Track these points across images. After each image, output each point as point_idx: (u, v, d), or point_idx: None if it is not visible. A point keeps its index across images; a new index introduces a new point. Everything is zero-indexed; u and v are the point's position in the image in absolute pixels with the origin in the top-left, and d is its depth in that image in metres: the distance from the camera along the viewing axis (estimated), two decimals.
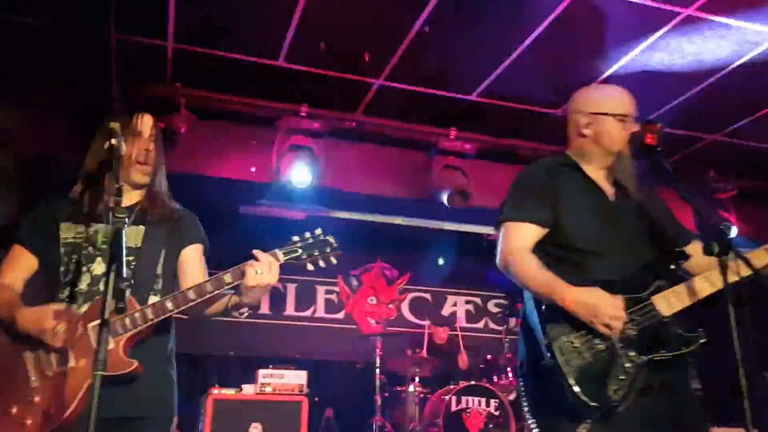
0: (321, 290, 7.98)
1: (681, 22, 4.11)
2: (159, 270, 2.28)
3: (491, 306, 7.98)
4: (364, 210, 6.10)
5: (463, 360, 6.82)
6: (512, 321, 6.47)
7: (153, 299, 2.19)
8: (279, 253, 2.16)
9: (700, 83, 4.81)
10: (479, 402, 5.86)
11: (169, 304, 2.09)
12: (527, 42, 4.36)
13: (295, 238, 2.20)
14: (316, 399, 5.58)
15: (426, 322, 7.72)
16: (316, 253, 2.19)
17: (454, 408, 5.79)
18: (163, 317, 2.09)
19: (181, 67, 4.75)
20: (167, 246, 2.32)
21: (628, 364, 2.00)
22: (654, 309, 2.06)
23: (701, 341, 2.04)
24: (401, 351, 6.20)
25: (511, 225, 2.24)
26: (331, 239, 2.22)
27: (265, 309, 7.53)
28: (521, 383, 2.22)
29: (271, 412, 4.84)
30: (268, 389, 4.98)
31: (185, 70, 4.80)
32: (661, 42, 4.34)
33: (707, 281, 2.09)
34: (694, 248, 2.23)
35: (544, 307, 2.08)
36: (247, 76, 4.84)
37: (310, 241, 2.20)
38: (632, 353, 2.01)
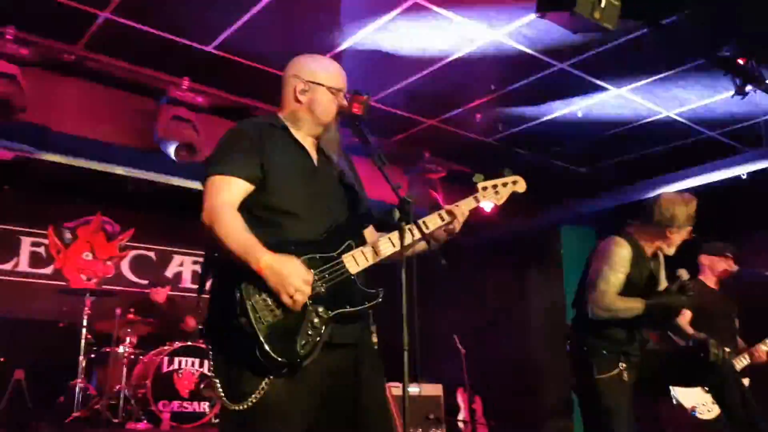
0: (26, 241, 7.22)
1: (409, 8, 4.40)
2: None
3: None
4: (80, 155, 5.54)
5: (189, 324, 6.68)
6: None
7: None
8: None
9: (423, 70, 5.21)
10: (192, 363, 5.78)
11: None
12: (264, 1, 4.31)
13: None
14: (1, 359, 4.99)
15: (145, 282, 7.41)
16: None
17: (165, 369, 5.63)
18: None
19: None
20: None
21: (316, 320, 2.09)
22: (343, 267, 2.19)
23: (379, 298, 2.22)
24: (112, 311, 5.84)
25: (219, 179, 2.19)
26: None
27: None
28: (209, 342, 2.19)
29: None
30: None
31: None
32: (392, 24, 4.60)
33: (389, 243, 2.28)
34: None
35: (238, 265, 2.07)
36: None
37: None
38: (321, 309, 2.11)
